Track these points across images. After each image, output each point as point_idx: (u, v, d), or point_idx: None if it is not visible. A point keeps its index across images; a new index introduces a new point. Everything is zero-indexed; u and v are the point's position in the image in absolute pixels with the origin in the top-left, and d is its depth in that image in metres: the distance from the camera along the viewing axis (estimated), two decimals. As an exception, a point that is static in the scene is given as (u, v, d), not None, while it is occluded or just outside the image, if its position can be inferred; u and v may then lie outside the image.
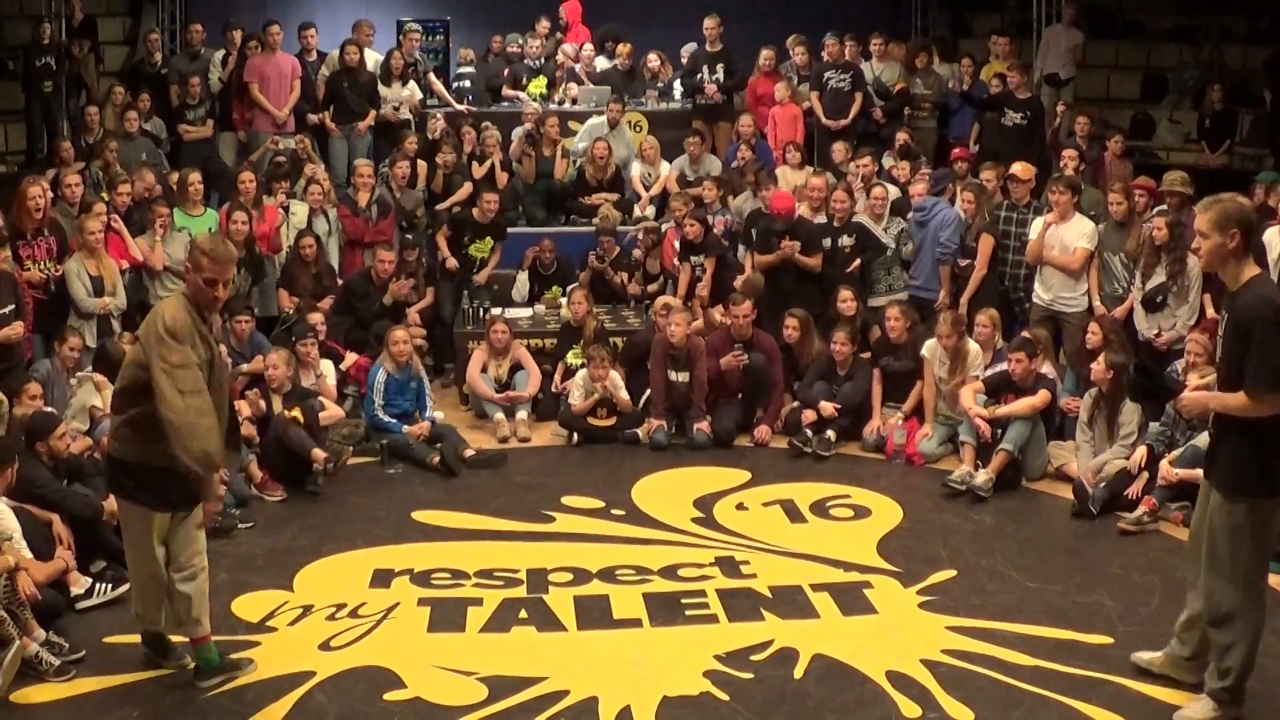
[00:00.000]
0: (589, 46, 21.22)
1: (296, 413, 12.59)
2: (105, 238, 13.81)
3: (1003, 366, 12.77)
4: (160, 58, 19.27)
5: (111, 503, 10.27)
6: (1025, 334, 13.05)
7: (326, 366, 13.75)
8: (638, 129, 19.47)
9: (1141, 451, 11.59)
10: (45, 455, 10.29)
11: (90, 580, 9.80)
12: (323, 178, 16.60)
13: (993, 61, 19.15)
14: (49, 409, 11.25)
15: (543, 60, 20.87)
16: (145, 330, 7.98)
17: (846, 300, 14.22)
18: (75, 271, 13.36)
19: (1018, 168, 14.59)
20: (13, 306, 11.90)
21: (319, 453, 12.37)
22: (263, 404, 12.80)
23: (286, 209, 16.07)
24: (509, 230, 17.14)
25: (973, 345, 13.05)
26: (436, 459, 13.09)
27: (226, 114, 18.63)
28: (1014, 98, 17.65)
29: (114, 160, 16.05)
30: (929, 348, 13.11)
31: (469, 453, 13.20)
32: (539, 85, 20.33)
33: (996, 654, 8.83)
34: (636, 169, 18.33)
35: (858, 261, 14.95)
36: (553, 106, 19.73)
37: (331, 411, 13.32)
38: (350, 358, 14.61)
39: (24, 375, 11.72)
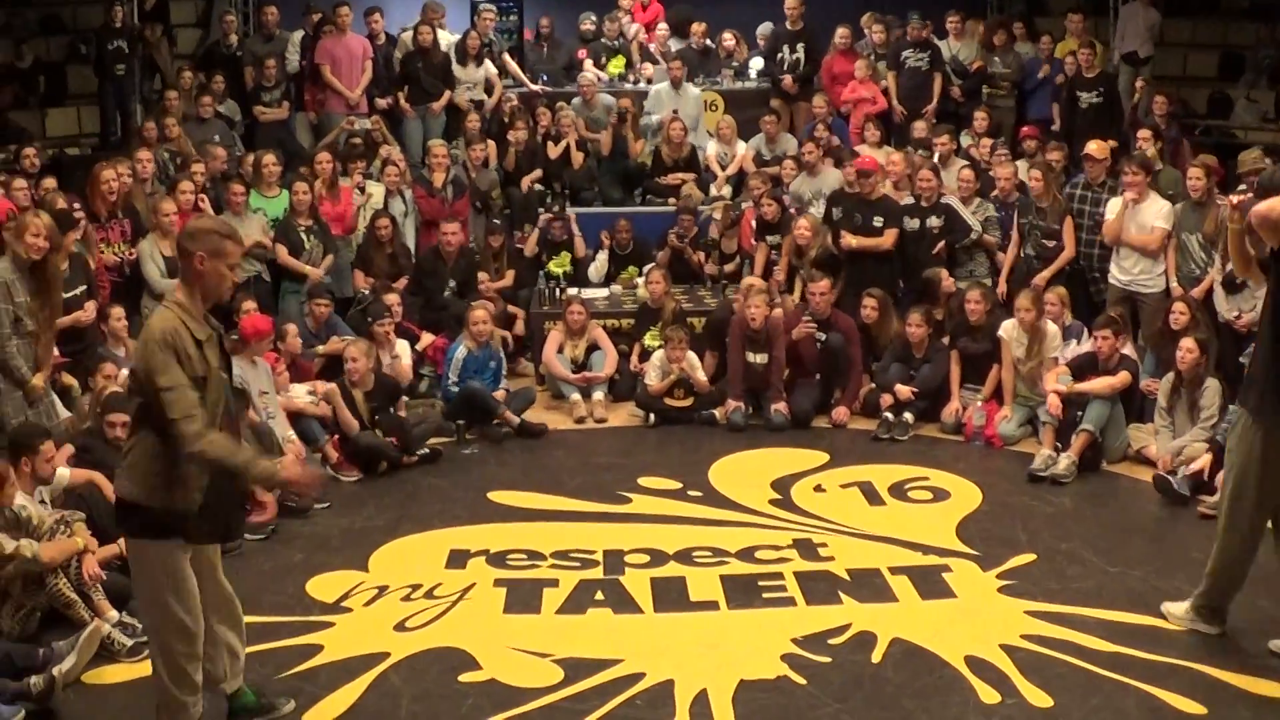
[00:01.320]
0: (664, 25, 21.14)
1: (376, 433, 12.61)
2: (179, 218, 13.84)
3: (1085, 348, 12.68)
4: (235, 40, 19.33)
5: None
6: (1110, 313, 12.91)
7: (402, 347, 13.72)
8: (713, 108, 19.40)
9: (1207, 458, 11.45)
10: (107, 435, 10.34)
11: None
12: (399, 158, 16.64)
13: (1068, 39, 18.97)
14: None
15: (620, 40, 20.83)
16: (139, 353, 7.07)
17: (948, 280, 14.14)
18: (149, 253, 13.46)
19: (1092, 146, 14.41)
20: (84, 288, 11.98)
21: (409, 459, 12.56)
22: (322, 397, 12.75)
23: (362, 189, 16.10)
24: (586, 210, 17.22)
25: (1051, 325, 12.89)
26: (514, 420, 13.40)
27: (301, 96, 18.67)
28: (1084, 77, 17.50)
29: (183, 141, 16.13)
30: (1006, 328, 12.96)
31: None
32: (618, 65, 20.29)
33: (1076, 639, 8.74)
34: (712, 148, 18.29)
35: (942, 244, 14.79)
36: (628, 86, 19.70)
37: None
38: (426, 338, 14.61)
39: (99, 355, 11.76)
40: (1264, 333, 8.30)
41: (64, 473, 9.80)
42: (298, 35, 18.85)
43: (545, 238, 16.59)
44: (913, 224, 14.81)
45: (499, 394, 13.71)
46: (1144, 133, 15.62)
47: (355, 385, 12.63)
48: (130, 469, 7.01)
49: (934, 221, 14.77)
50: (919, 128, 17.23)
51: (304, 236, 14.81)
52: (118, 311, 12.60)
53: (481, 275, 15.50)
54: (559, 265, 16.19)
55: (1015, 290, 13.85)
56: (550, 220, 16.65)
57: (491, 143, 17.67)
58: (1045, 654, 8.54)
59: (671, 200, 17.14)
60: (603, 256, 16.57)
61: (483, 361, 13.77)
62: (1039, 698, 7.97)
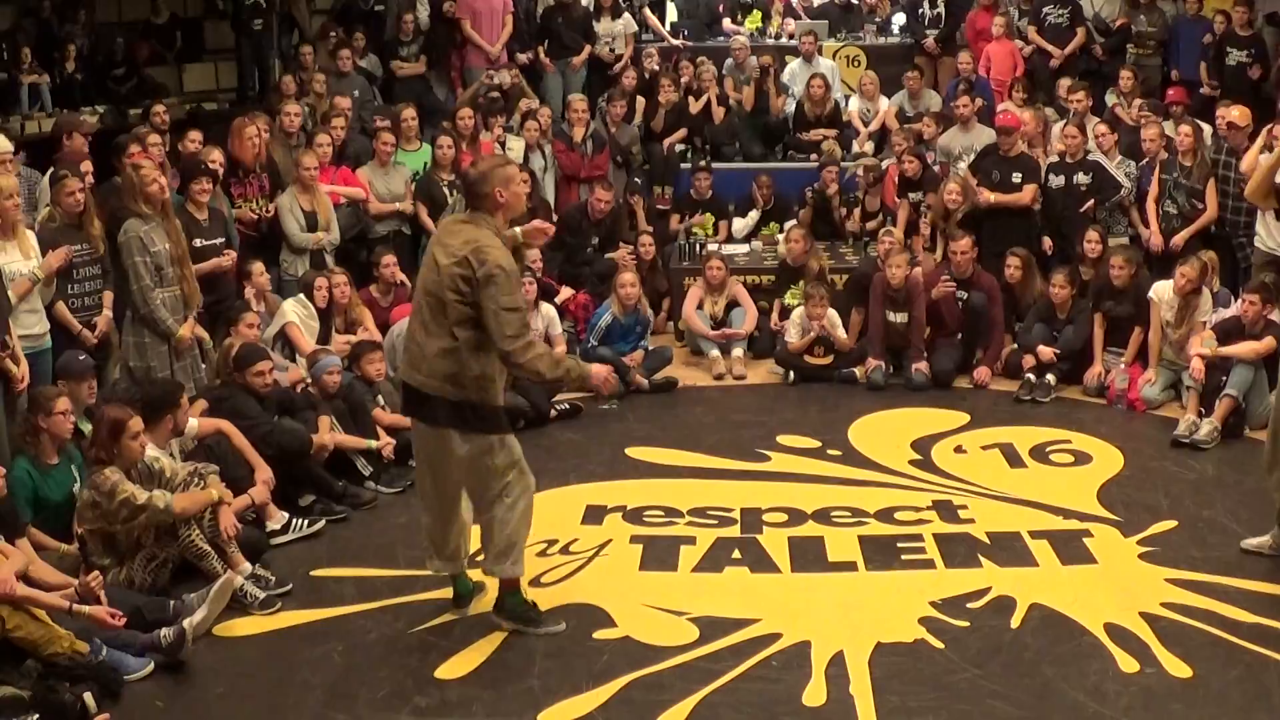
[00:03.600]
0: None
1: None
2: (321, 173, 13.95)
3: (1231, 312, 12.47)
4: (373, -5, 19.38)
5: (322, 435, 10.43)
6: (1261, 278, 12.66)
7: (549, 311, 13.55)
8: (856, 64, 19.31)
9: None
10: (255, 386, 10.46)
11: (286, 516, 9.97)
12: (544, 114, 16.67)
13: (1212, -1, 18.64)
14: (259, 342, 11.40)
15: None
16: (472, 265, 7.81)
17: (1092, 242, 13.87)
18: (288, 206, 13.52)
19: (1235, 114, 14.09)
20: (222, 239, 12.08)
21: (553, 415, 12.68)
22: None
23: (503, 144, 16.11)
24: (727, 165, 17.27)
25: (1205, 291, 12.67)
26: (644, 381, 13.42)
27: (439, 50, 18.66)
28: (1237, 36, 17.21)
29: (324, 94, 16.24)
30: (1158, 290, 12.73)
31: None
32: (755, 21, 20.22)
33: (1216, 609, 8.60)
34: (855, 104, 18.24)
35: (1091, 201, 14.54)
36: (769, 41, 19.63)
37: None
38: (565, 292, 14.62)
39: (240, 305, 11.86)
40: None
41: (193, 423, 9.93)
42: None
43: (686, 196, 16.56)
44: (1058, 181, 14.61)
45: (636, 355, 13.67)
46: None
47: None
48: (459, 380, 8.01)
49: (1081, 178, 14.55)
50: (1064, 85, 16.98)
51: (446, 191, 14.81)
52: (259, 266, 12.69)
53: (644, 240, 15.42)
54: (701, 228, 16.17)
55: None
56: (694, 175, 16.60)
57: (641, 98, 17.67)
58: (1186, 623, 8.43)
59: (813, 156, 17.08)
60: (754, 214, 16.53)
61: (629, 327, 13.78)
62: (1179, 668, 7.87)
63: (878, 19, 20.42)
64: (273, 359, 11.01)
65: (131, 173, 10.73)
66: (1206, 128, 15.04)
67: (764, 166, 17.30)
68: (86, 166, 11.98)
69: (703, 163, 16.94)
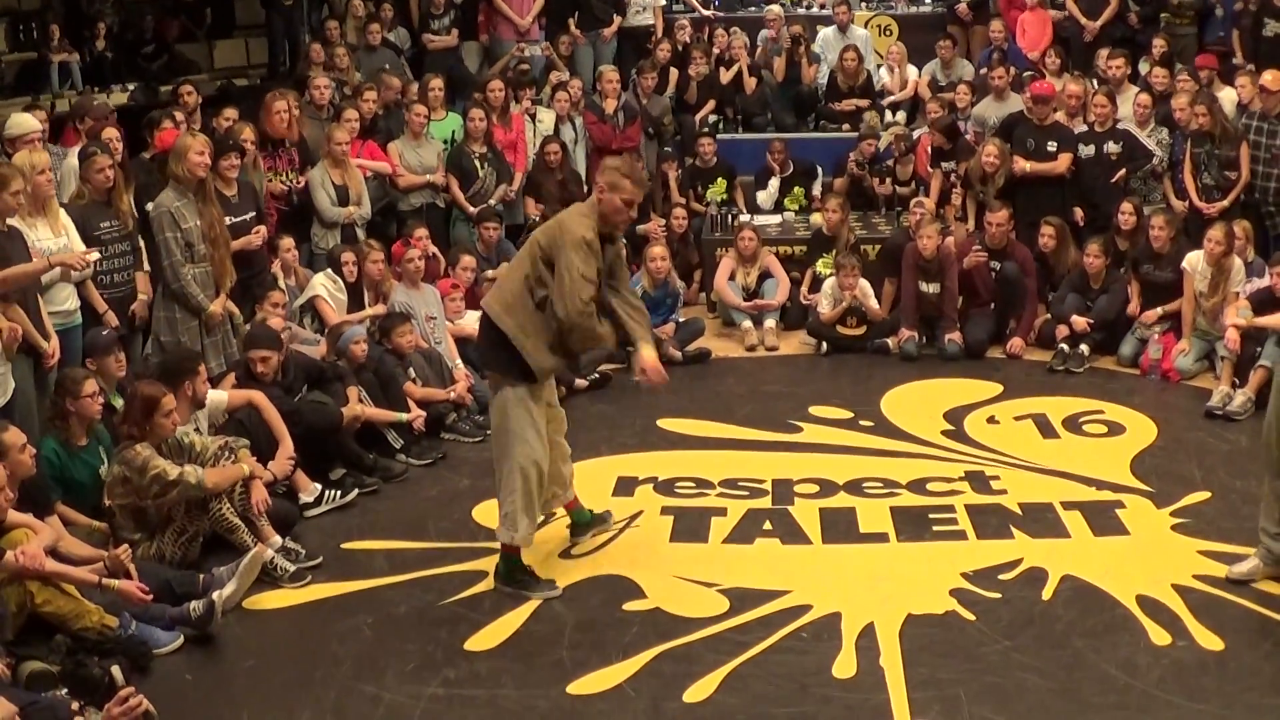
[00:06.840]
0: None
1: None
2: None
3: (1265, 282, 12.38)
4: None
5: (352, 409, 10.42)
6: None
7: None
8: (887, 33, 19.23)
9: None
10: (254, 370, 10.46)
11: (319, 488, 9.97)
12: (574, 85, 16.62)
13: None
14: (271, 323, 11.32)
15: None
16: (552, 234, 8.33)
17: (1127, 213, 13.77)
18: (319, 180, 13.48)
19: (1268, 78, 13.97)
20: (253, 214, 11.94)
21: (581, 384, 12.58)
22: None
23: (533, 116, 16.07)
24: (759, 135, 17.17)
25: (1236, 260, 12.56)
26: (677, 353, 13.39)
27: (471, 22, 18.61)
28: (1274, 6, 17.03)
29: (350, 69, 16.26)
30: (1190, 260, 12.63)
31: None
32: (790, -13, 20.21)
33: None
34: (886, 74, 18.11)
35: (1123, 171, 14.45)
36: (801, 11, 19.56)
37: None
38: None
39: (269, 282, 11.85)
40: None
41: (222, 396, 9.94)
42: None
43: (694, 167, 16.48)
44: (1088, 150, 14.51)
45: (667, 328, 13.60)
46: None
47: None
48: (507, 316, 8.36)
49: (1111, 147, 14.45)
50: (1101, 55, 16.85)
51: (477, 164, 14.80)
52: (287, 242, 12.66)
53: (677, 212, 15.43)
54: (716, 193, 16.07)
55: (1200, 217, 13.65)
56: (698, 141, 16.51)
57: (674, 70, 17.64)
58: (1218, 595, 8.36)
59: (846, 126, 17.01)
60: (774, 182, 16.43)
61: (659, 299, 13.72)
62: (1210, 640, 7.82)
63: (910, -13, 20.40)
64: (281, 346, 10.80)
65: (187, 138, 10.74)
66: (1230, 94, 14.91)
67: (796, 137, 17.22)
68: (117, 145, 12.01)
69: (705, 129, 16.95)
